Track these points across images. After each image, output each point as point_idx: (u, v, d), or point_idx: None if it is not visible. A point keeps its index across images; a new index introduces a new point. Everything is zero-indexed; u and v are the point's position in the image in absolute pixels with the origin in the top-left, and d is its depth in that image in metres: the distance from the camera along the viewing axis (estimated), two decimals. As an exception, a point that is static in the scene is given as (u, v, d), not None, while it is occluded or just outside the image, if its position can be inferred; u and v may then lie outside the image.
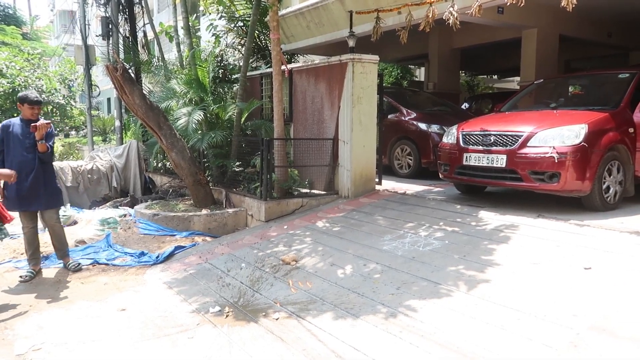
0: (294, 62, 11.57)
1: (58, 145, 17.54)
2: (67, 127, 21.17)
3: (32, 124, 4.77)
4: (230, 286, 4.44)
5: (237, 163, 7.85)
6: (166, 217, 6.58)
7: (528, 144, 5.22)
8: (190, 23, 9.72)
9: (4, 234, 4.44)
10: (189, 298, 4.26)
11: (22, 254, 5.72)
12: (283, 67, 7.19)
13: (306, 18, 10.09)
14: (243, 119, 8.12)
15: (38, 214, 5.10)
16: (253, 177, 7.44)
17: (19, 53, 17.76)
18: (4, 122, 5.03)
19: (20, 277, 4.94)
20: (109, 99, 21.41)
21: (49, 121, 4.96)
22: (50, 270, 5.23)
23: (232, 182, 7.79)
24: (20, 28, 25.48)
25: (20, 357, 3.30)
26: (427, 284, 3.80)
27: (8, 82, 16.74)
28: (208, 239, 6.33)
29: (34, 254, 5.07)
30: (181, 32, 10.39)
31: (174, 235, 6.38)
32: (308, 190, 7.08)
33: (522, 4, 5.27)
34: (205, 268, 5.05)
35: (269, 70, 8.92)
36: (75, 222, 7.02)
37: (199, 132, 7.70)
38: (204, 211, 6.82)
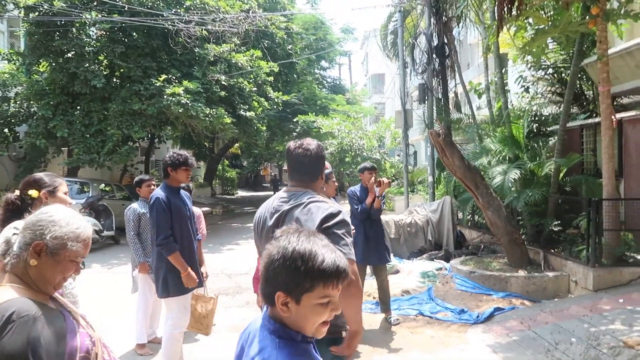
0: (615, 104, 10.30)
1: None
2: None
3: (378, 180, 5.39)
4: (561, 362, 4.20)
5: (556, 222, 7.41)
6: (482, 275, 6.68)
7: None
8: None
9: None
10: (516, 367, 4.21)
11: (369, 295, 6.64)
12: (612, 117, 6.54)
13: (635, 57, 8.92)
14: (561, 175, 7.67)
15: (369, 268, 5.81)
16: (575, 239, 6.89)
17: (347, 118, 21.20)
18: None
19: None
20: (415, 152, 23.29)
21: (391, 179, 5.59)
22: (378, 316, 5.87)
23: (549, 242, 7.37)
24: (344, 95, 30.34)
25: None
26: None
27: (337, 143, 20.11)
28: (527, 302, 6.12)
29: None
30: (491, 87, 10.67)
31: (490, 294, 6.39)
32: (647, 258, 6.12)
33: None
34: (529, 336, 4.90)
35: (590, 121, 8.23)
36: (397, 271, 7.81)
37: (513, 189, 7.62)
38: (521, 272, 6.63)
